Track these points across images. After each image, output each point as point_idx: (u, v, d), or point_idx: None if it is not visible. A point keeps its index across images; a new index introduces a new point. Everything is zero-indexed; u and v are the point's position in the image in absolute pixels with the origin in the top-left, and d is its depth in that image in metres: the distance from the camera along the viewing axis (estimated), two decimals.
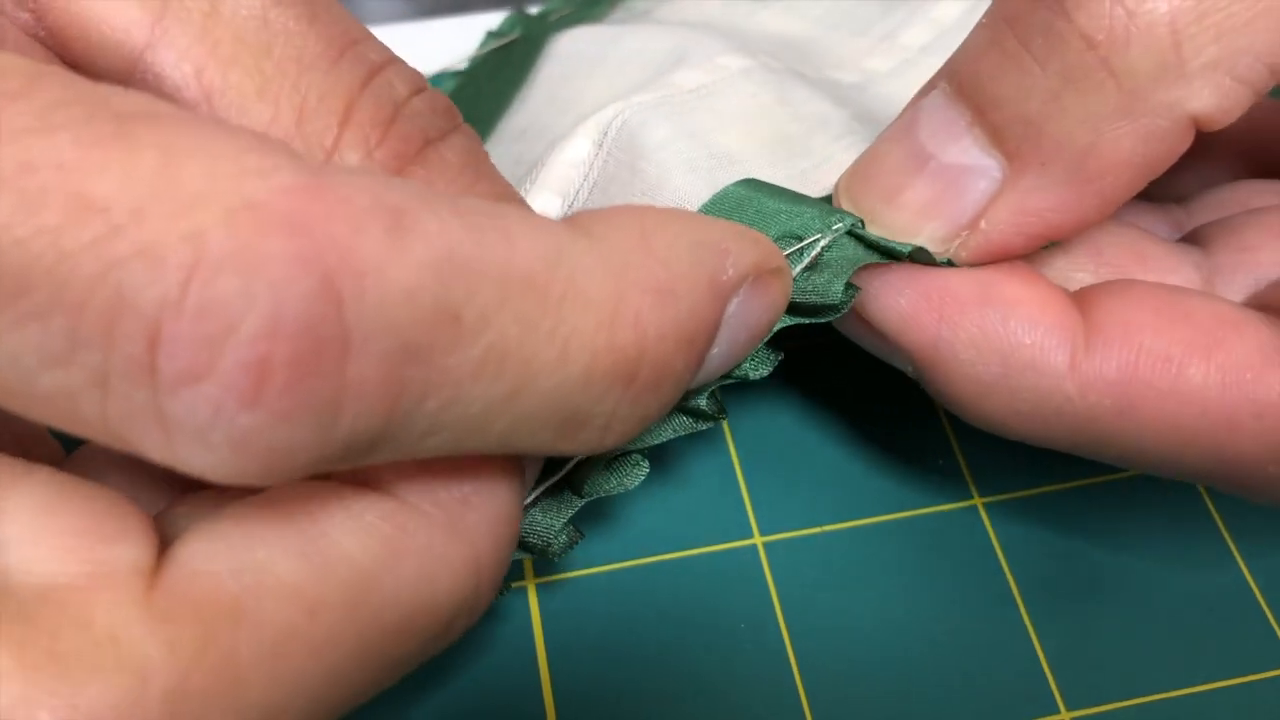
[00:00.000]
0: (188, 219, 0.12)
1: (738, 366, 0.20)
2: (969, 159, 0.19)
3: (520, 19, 0.30)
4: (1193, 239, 0.22)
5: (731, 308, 0.17)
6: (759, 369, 0.20)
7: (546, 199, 0.23)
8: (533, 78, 0.28)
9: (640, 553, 0.24)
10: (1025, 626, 0.23)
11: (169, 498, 0.18)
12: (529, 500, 0.20)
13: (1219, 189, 0.23)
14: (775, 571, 0.23)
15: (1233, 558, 0.24)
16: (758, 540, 0.24)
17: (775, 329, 0.20)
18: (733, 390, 0.26)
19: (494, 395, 0.14)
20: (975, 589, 0.23)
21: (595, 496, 0.20)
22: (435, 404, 0.13)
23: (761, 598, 0.23)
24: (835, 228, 0.20)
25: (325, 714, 0.15)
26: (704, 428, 0.20)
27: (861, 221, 0.20)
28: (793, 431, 0.25)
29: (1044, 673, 0.22)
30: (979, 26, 0.19)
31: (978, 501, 0.24)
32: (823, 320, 0.20)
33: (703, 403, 0.20)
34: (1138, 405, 0.18)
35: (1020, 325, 0.19)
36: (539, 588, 0.23)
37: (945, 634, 0.22)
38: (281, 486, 0.15)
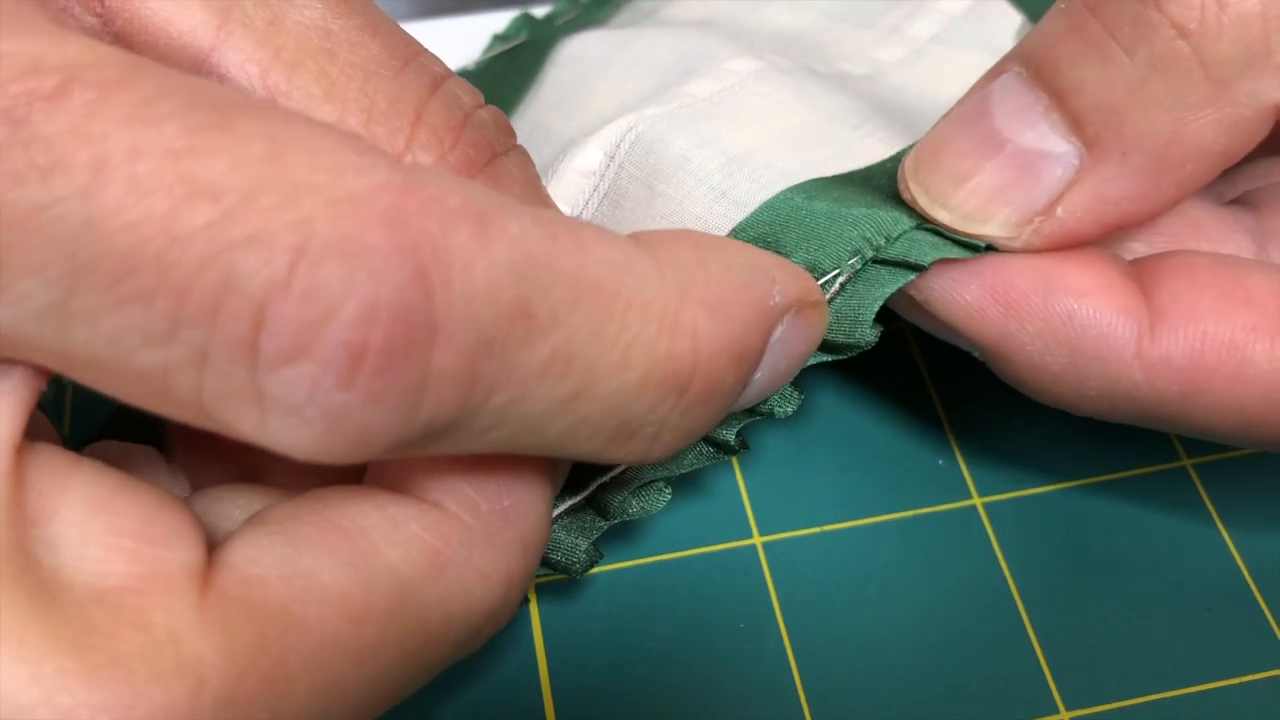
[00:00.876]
0: (295, 207, 0.12)
1: (766, 400, 0.20)
2: (1047, 144, 0.18)
3: (527, 22, 0.30)
4: (1242, 202, 0.22)
5: (776, 334, 0.17)
6: (785, 406, 0.20)
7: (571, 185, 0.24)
8: (539, 82, 0.28)
9: (640, 552, 0.24)
10: (1024, 626, 0.23)
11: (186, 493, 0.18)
12: (554, 515, 0.20)
13: (1258, 161, 0.23)
14: (774, 571, 0.23)
15: (1232, 557, 0.24)
16: (757, 540, 0.24)
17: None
18: None
19: (557, 395, 0.14)
20: (974, 589, 0.23)
21: (620, 520, 0.20)
22: (503, 399, 0.14)
23: (761, 598, 0.23)
24: (853, 261, 0.20)
25: (360, 718, 0.15)
26: (723, 459, 0.20)
27: (915, 225, 0.20)
28: (792, 431, 0.25)
29: (1043, 672, 0.22)
30: (1055, 12, 0.19)
31: (977, 501, 0.24)
32: (847, 356, 0.20)
33: (730, 436, 0.20)
34: (1204, 389, 0.18)
35: (1086, 317, 0.19)
36: (539, 587, 0.23)
37: (944, 634, 0.22)
38: (327, 494, 0.16)
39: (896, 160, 0.22)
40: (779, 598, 0.23)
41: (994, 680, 0.22)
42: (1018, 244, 0.19)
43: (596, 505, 0.20)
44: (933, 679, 0.22)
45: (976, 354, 0.20)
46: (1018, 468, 0.25)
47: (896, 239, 0.20)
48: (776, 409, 0.20)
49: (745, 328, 0.16)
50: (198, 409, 0.13)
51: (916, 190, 0.20)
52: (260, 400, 0.13)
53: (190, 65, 0.17)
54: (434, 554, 0.15)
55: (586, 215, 0.24)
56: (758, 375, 0.17)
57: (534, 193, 0.19)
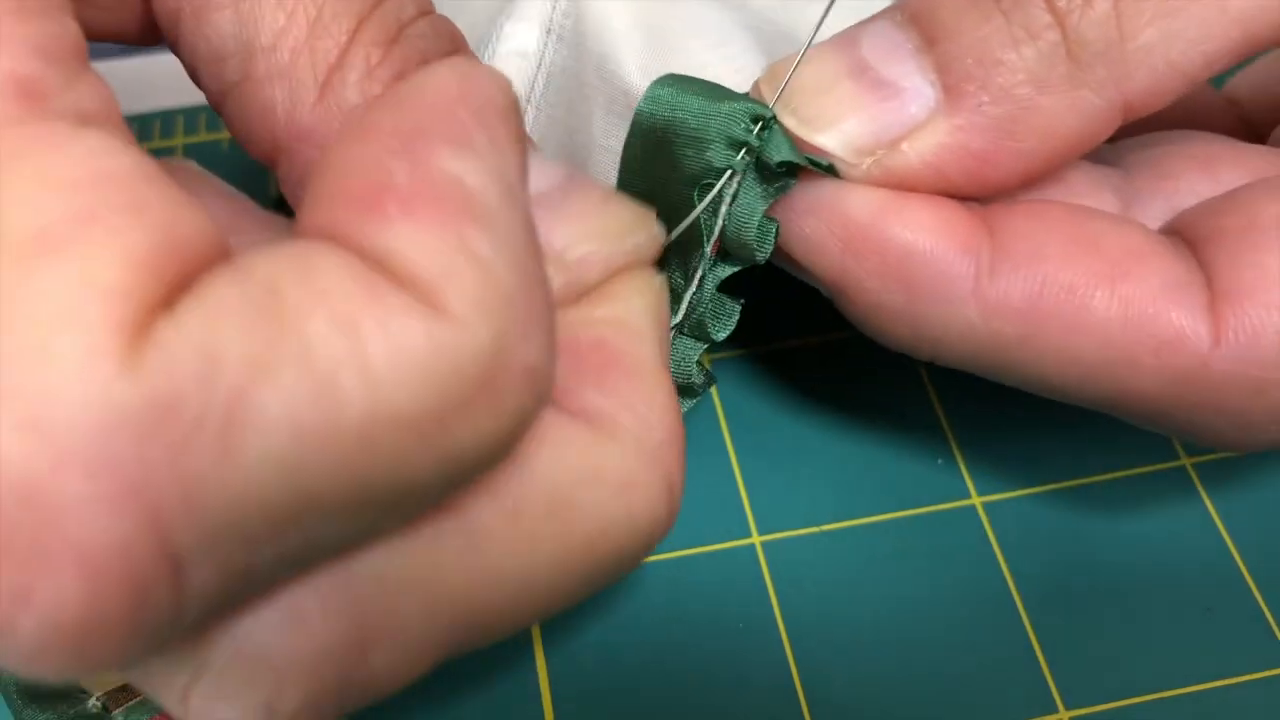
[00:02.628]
0: None
1: (703, 329, 0.20)
2: (908, 81, 0.18)
3: None
4: (1109, 160, 0.22)
5: None
6: (719, 331, 0.20)
7: None
8: None
9: None
10: (1024, 625, 0.23)
11: None
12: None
13: (1152, 134, 0.23)
14: (773, 571, 0.23)
15: (1231, 556, 0.24)
16: (756, 540, 0.24)
17: (721, 279, 0.20)
18: (731, 389, 0.26)
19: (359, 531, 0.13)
20: (974, 588, 0.23)
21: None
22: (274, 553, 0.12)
23: (760, 597, 0.23)
24: (742, 157, 0.19)
25: (521, 615, 0.16)
26: (690, 406, 0.20)
27: (769, 122, 0.19)
28: (791, 431, 0.25)
29: (1042, 671, 0.22)
30: None
31: (976, 501, 0.24)
32: (753, 264, 0.20)
33: (695, 376, 0.20)
34: (1040, 334, 0.18)
35: (923, 252, 0.18)
36: None
37: (943, 633, 0.22)
38: None
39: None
40: (778, 597, 0.23)
41: (993, 679, 0.22)
42: (857, 172, 0.19)
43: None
44: (932, 678, 0.22)
45: (824, 291, 0.20)
46: (1017, 467, 0.25)
47: (767, 140, 0.19)
48: (715, 334, 0.20)
49: None
50: None
51: (767, 93, 0.19)
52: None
53: None
54: (590, 461, 0.16)
55: (534, 100, 0.23)
56: None
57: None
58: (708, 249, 0.20)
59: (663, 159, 0.20)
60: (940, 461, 0.25)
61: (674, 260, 0.20)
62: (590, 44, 0.23)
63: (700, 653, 0.22)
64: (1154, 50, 0.17)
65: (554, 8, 0.23)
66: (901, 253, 0.18)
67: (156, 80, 0.33)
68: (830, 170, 0.19)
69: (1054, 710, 0.22)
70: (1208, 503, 0.24)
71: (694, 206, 0.19)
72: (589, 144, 0.22)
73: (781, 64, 0.19)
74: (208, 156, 0.31)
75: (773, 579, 0.23)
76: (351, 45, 0.17)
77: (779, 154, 0.19)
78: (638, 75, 0.22)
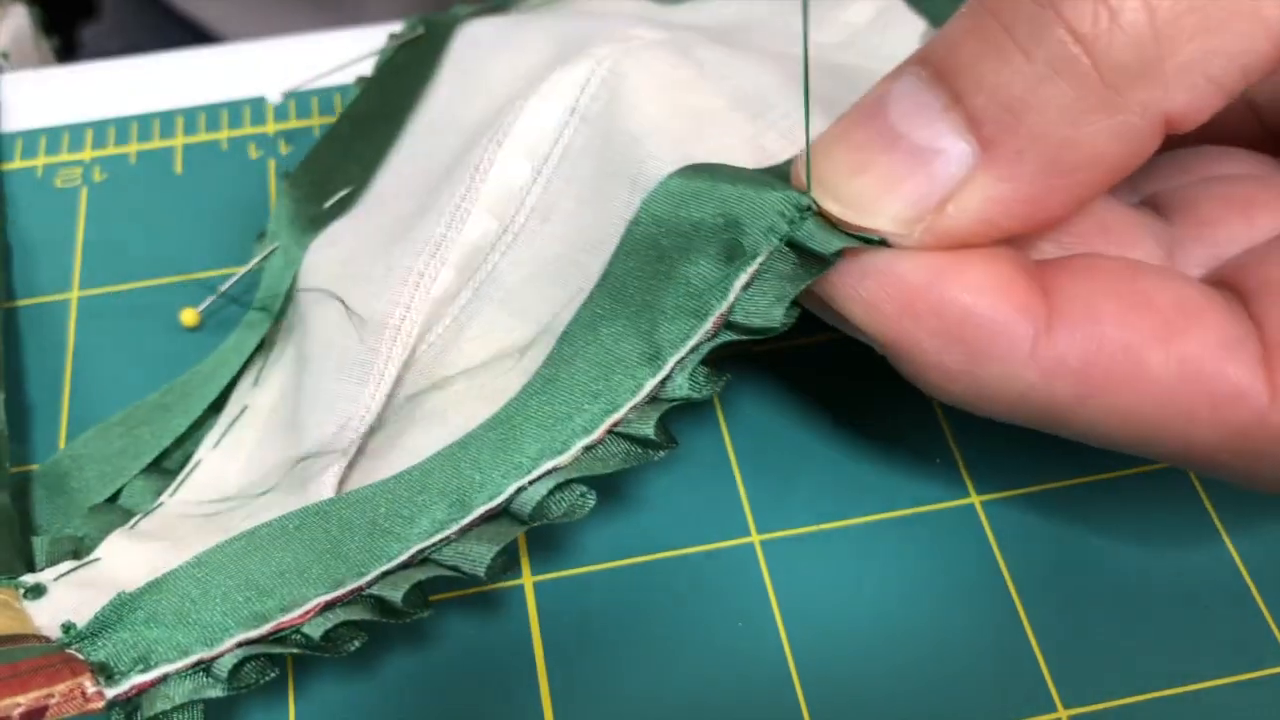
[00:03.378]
0: None
1: (679, 388, 0.20)
2: (942, 142, 0.18)
3: (422, 20, 0.30)
4: (1153, 204, 0.22)
5: None
6: (701, 390, 0.20)
7: (517, 164, 0.23)
8: (439, 72, 0.28)
9: (637, 551, 0.24)
10: (1022, 624, 0.23)
11: None
12: (464, 528, 0.20)
13: (1178, 153, 0.23)
14: (772, 570, 0.23)
15: (1230, 556, 0.24)
16: (755, 538, 0.24)
17: (714, 345, 0.20)
18: (729, 389, 0.26)
19: None
20: (972, 587, 0.23)
21: (539, 523, 0.20)
22: None
23: (759, 596, 0.23)
24: (774, 241, 0.19)
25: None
26: (656, 457, 0.20)
27: (807, 211, 0.19)
28: (790, 430, 0.25)
29: (1041, 670, 0.22)
30: (958, 16, 0.19)
31: (975, 500, 0.24)
32: (763, 338, 0.20)
33: (650, 431, 0.20)
34: (1098, 393, 0.18)
35: (981, 314, 0.18)
36: (536, 586, 0.23)
37: (942, 632, 0.23)
38: None
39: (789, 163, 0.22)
40: (777, 596, 0.23)
41: (992, 678, 0.22)
42: (910, 241, 0.19)
43: (513, 512, 0.20)
44: (930, 677, 0.22)
45: (878, 349, 0.20)
46: (1016, 466, 0.25)
47: (803, 223, 0.19)
48: (694, 394, 0.20)
49: None
50: None
51: (814, 187, 0.19)
52: None
53: None
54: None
55: (545, 172, 0.23)
56: None
57: None
58: (708, 325, 0.20)
59: (674, 243, 0.20)
60: (939, 461, 0.25)
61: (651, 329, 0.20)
62: (621, 124, 0.23)
63: (699, 651, 0.22)
64: (1194, 67, 0.17)
65: (582, 90, 0.24)
66: (960, 314, 0.18)
67: (156, 80, 0.33)
68: (881, 242, 0.19)
69: (1052, 709, 0.22)
70: (1206, 502, 0.24)
71: (690, 294, 0.20)
72: (605, 217, 0.22)
73: (806, 152, 0.19)
74: (208, 156, 0.31)
75: (772, 577, 0.23)
76: None
77: (829, 245, 0.19)
78: (670, 151, 0.22)
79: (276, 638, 0.19)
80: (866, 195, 0.19)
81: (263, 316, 0.25)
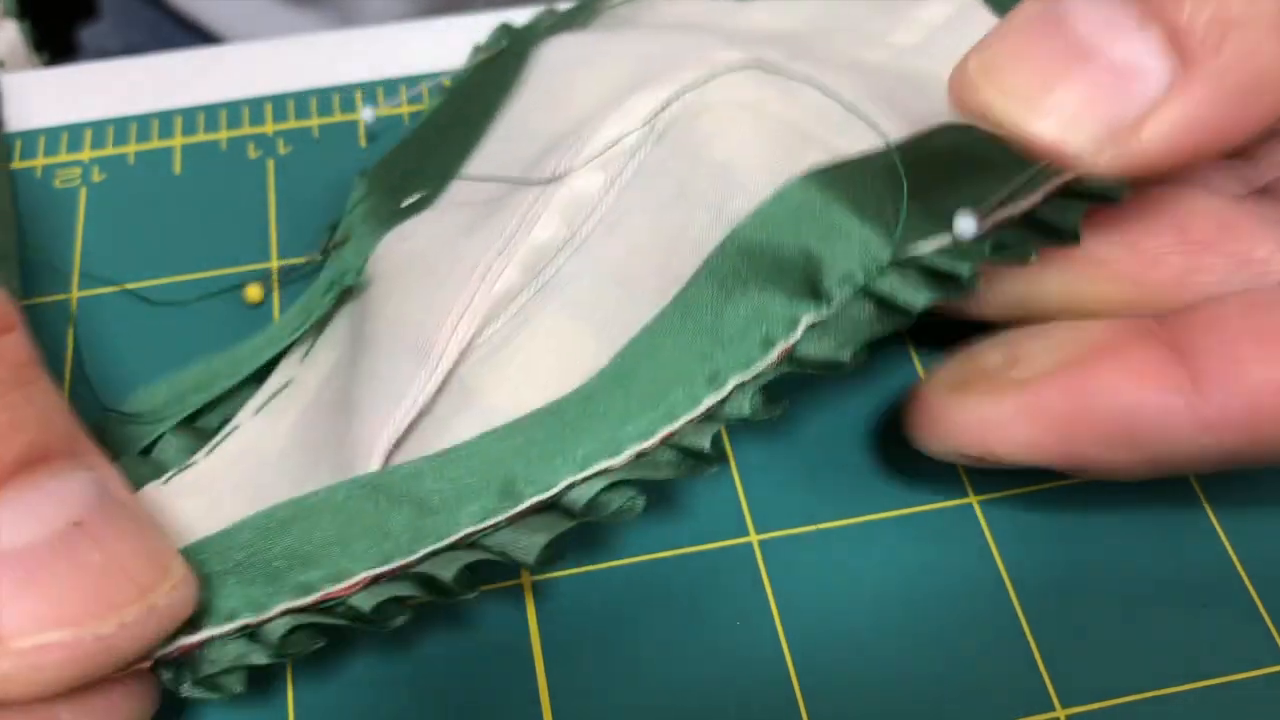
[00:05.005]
0: None
1: (741, 408, 0.21)
2: (1143, 60, 0.17)
3: (506, 31, 0.31)
4: (1269, 192, 0.22)
5: None
6: (758, 414, 0.21)
7: (592, 174, 0.24)
8: (520, 85, 0.28)
9: (635, 551, 0.24)
10: (1020, 624, 0.23)
11: None
12: (513, 517, 0.20)
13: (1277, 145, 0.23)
14: (771, 569, 0.23)
15: (1228, 555, 0.24)
16: (753, 538, 0.24)
17: (778, 373, 0.21)
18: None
19: None
20: (970, 587, 0.23)
21: (587, 519, 0.20)
22: None
23: (757, 595, 0.23)
24: (848, 291, 0.20)
25: None
26: (708, 471, 0.21)
27: (890, 266, 0.20)
28: (788, 429, 0.25)
29: (1039, 670, 0.22)
30: None
31: (973, 499, 0.24)
32: (826, 375, 0.21)
33: (705, 444, 0.21)
34: (1268, 433, 0.19)
35: (1138, 411, 0.19)
36: (535, 586, 0.23)
37: (940, 631, 0.23)
38: None
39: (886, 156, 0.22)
40: (775, 595, 0.23)
41: (989, 678, 0.22)
42: (1100, 164, 0.18)
43: (564, 506, 0.20)
44: (928, 676, 0.22)
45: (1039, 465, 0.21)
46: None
47: (881, 277, 0.20)
48: (752, 416, 0.21)
49: None
50: None
51: (994, 96, 0.18)
52: None
53: None
54: None
55: (618, 184, 0.24)
56: None
57: None
58: (773, 356, 0.21)
59: (753, 273, 0.21)
60: (936, 461, 0.25)
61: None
62: (705, 151, 0.24)
63: (697, 651, 0.22)
64: None
65: (664, 111, 0.24)
66: (1119, 419, 0.19)
67: (155, 80, 0.33)
68: (969, 285, 0.20)
69: (1050, 708, 0.22)
70: (1204, 501, 0.24)
71: (758, 322, 0.21)
72: (678, 239, 0.23)
73: (996, 58, 0.18)
74: (207, 156, 0.31)
75: (770, 577, 0.23)
76: None
77: (918, 299, 0.20)
78: (763, 180, 0.23)
79: (323, 607, 0.19)
80: (1057, 123, 0.18)
81: (326, 300, 0.25)
